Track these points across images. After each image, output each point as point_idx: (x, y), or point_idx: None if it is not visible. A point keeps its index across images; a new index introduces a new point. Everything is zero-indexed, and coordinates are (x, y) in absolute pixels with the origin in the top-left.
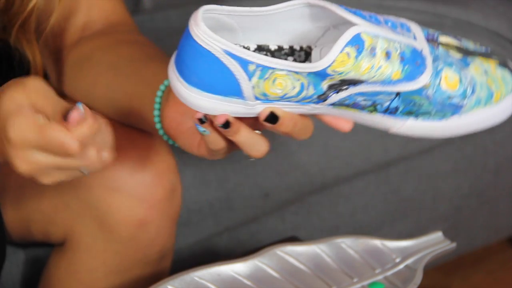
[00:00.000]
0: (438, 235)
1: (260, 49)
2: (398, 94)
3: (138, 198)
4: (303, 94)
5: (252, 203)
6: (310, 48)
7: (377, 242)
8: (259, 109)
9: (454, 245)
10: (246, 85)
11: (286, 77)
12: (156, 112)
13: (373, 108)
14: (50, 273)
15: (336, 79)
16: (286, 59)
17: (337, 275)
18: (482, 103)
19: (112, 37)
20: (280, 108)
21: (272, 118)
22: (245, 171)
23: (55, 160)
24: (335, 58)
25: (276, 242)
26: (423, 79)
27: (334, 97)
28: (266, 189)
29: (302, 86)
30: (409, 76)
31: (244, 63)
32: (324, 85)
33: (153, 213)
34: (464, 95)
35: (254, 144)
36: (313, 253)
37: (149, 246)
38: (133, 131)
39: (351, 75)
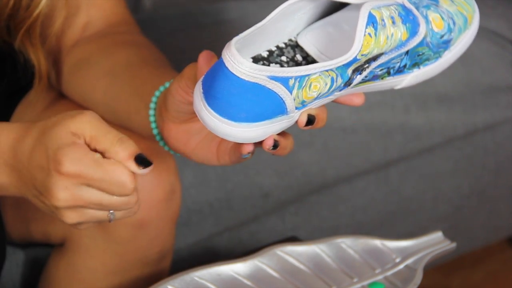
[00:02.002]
0: (438, 235)
1: (255, 60)
2: (407, 52)
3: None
4: (334, 86)
5: (252, 203)
6: (291, 40)
7: (377, 242)
8: (296, 117)
9: (454, 245)
10: (289, 100)
11: (319, 77)
12: (155, 131)
13: (387, 74)
14: (50, 273)
15: (362, 61)
16: (280, 60)
17: (337, 275)
18: (462, 30)
19: (110, 39)
20: (311, 108)
21: (310, 120)
22: (245, 171)
23: (101, 197)
24: (362, 43)
25: (276, 242)
26: (422, 29)
27: (358, 78)
28: (266, 189)
29: (332, 80)
30: (413, 32)
31: (285, 81)
32: (350, 71)
33: (153, 214)
34: (450, 30)
35: (287, 146)
36: (313, 253)
37: (148, 246)
38: (132, 133)
39: (375, 52)
